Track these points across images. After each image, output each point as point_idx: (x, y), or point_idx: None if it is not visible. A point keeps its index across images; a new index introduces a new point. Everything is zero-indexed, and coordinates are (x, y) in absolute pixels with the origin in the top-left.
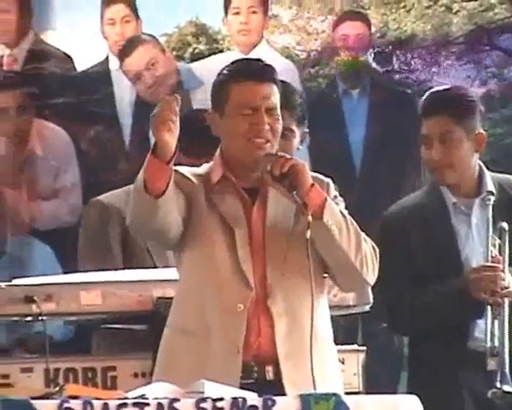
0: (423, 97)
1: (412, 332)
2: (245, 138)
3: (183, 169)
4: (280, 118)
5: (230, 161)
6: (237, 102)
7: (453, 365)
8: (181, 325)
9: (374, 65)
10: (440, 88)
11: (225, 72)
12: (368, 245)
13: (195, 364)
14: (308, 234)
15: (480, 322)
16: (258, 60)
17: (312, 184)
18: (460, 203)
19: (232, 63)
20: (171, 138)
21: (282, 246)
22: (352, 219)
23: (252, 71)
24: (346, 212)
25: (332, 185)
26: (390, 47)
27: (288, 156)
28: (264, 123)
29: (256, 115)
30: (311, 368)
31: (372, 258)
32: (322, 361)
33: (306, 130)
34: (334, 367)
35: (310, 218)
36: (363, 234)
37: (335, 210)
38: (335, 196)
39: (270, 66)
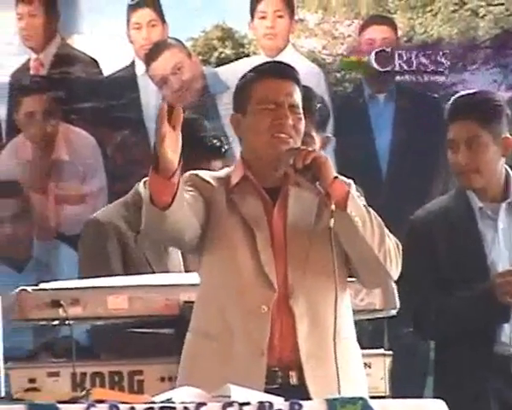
0: (449, 101)
1: (438, 337)
2: (268, 134)
3: (203, 173)
4: (302, 117)
5: (252, 161)
6: (261, 98)
7: (479, 369)
8: (203, 329)
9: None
10: (467, 92)
11: (248, 74)
12: (391, 240)
13: (219, 368)
14: (332, 223)
15: (506, 326)
16: (280, 62)
17: (336, 177)
18: (486, 208)
19: (254, 67)
20: (173, 154)
21: (304, 244)
22: (376, 214)
23: (274, 69)
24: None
25: (353, 186)
26: (416, 51)
27: (310, 149)
28: (287, 118)
29: (279, 111)
30: (336, 367)
31: (395, 253)
32: (346, 360)
33: (329, 135)
34: (357, 366)
35: (333, 206)
36: (386, 230)
37: (359, 202)
38: (357, 196)
39: (292, 66)
